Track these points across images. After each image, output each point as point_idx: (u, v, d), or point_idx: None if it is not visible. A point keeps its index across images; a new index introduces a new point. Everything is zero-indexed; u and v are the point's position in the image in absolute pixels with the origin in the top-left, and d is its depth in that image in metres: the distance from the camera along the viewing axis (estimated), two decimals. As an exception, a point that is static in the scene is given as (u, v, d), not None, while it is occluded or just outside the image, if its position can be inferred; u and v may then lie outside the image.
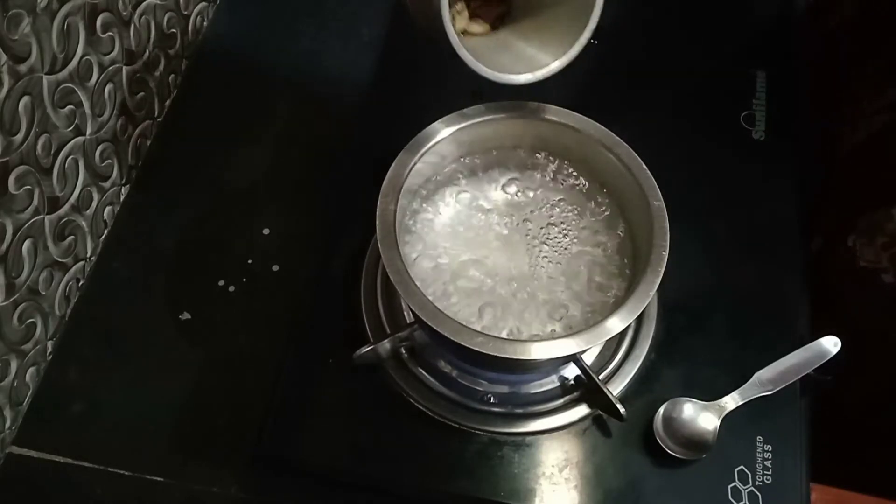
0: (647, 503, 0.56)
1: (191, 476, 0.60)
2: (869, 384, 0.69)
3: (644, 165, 0.56)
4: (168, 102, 0.78)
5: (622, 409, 0.56)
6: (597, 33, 0.80)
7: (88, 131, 0.64)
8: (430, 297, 0.51)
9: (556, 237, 0.58)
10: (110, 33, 0.64)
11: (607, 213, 0.59)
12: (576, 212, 0.59)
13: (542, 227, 0.58)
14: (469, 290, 0.56)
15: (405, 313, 0.62)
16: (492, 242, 0.58)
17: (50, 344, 0.65)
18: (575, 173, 0.60)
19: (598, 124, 0.57)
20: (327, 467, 0.59)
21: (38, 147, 0.58)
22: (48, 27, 0.56)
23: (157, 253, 0.70)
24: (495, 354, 0.48)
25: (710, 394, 0.59)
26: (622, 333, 0.62)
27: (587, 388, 0.59)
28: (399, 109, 0.73)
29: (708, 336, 0.63)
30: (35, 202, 0.59)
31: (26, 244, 0.59)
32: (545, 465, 0.57)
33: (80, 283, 0.68)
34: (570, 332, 0.51)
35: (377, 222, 0.52)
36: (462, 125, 0.58)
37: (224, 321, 0.67)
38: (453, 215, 0.59)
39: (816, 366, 0.59)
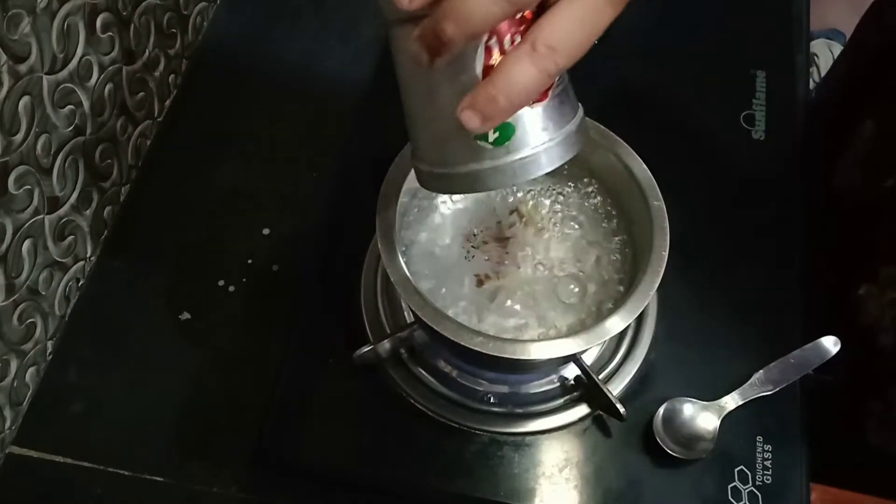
0: (647, 503, 0.56)
1: (191, 476, 0.60)
2: (869, 383, 0.69)
3: (644, 165, 0.55)
4: (168, 102, 0.78)
5: (622, 409, 0.56)
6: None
7: (88, 131, 0.64)
8: (430, 297, 0.51)
9: (555, 237, 0.58)
10: (110, 33, 0.64)
11: (607, 212, 0.59)
12: (575, 211, 0.59)
13: (541, 227, 0.58)
14: (468, 289, 0.56)
15: (405, 313, 0.62)
16: (491, 242, 0.58)
17: (50, 344, 0.65)
18: (574, 173, 0.60)
19: (598, 124, 0.57)
20: (327, 467, 0.59)
21: (38, 147, 0.58)
22: (48, 27, 0.56)
23: (157, 253, 0.70)
24: (495, 354, 0.48)
25: (710, 394, 0.59)
26: (622, 333, 0.62)
27: (587, 388, 0.59)
28: (399, 109, 0.73)
29: (708, 336, 0.63)
30: (35, 202, 0.59)
31: (26, 244, 0.59)
32: (545, 465, 0.57)
33: (80, 283, 0.68)
34: (570, 332, 0.51)
35: (377, 222, 0.52)
36: (462, 125, 0.57)
37: (224, 321, 0.67)
38: (453, 215, 0.59)
39: (816, 366, 0.59)
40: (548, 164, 0.39)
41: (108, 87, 0.66)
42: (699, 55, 0.79)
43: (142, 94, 0.72)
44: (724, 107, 0.75)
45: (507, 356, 0.48)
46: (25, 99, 0.55)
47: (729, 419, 0.58)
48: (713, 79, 0.77)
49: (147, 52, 0.71)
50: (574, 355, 0.56)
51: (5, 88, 0.53)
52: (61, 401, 0.63)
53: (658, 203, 0.54)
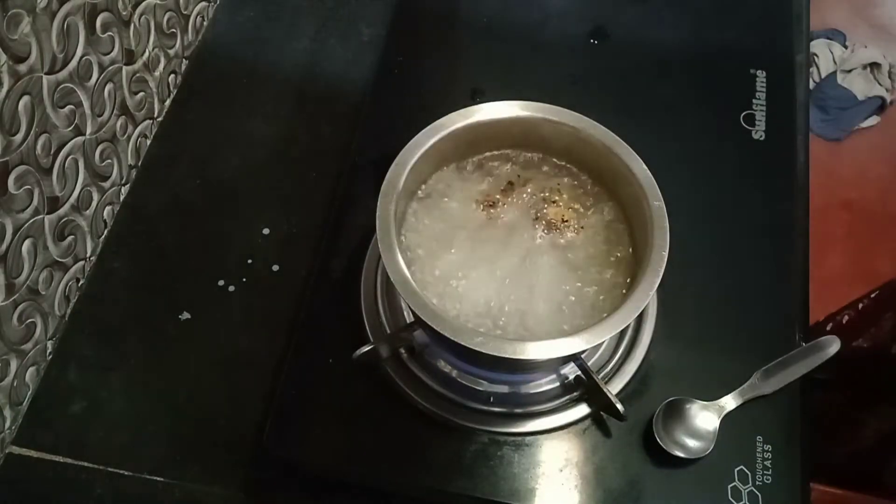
0: (647, 503, 0.56)
1: (191, 476, 0.60)
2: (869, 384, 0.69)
3: (644, 165, 0.56)
4: (168, 102, 0.78)
5: (622, 409, 0.56)
6: (597, 33, 0.81)
7: (88, 131, 0.64)
8: (430, 297, 0.51)
9: (555, 237, 0.58)
10: (110, 33, 0.64)
11: (607, 212, 0.59)
12: (576, 211, 0.59)
13: (541, 227, 0.58)
14: (469, 289, 0.56)
15: (405, 313, 0.62)
16: (492, 242, 0.58)
17: (50, 344, 0.65)
18: (575, 173, 0.60)
19: (598, 124, 0.57)
20: (327, 467, 0.59)
21: (38, 147, 0.58)
22: (48, 27, 0.56)
23: (157, 253, 0.70)
24: (495, 354, 0.48)
25: (710, 394, 0.59)
26: (622, 333, 0.62)
27: (587, 388, 0.59)
28: (399, 109, 0.73)
29: (708, 336, 0.63)
30: (35, 202, 0.59)
31: (26, 244, 0.59)
32: (545, 465, 0.57)
33: (80, 283, 0.68)
34: (570, 331, 0.51)
35: (377, 222, 0.52)
36: (462, 125, 0.58)
37: (224, 321, 0.67)
38: (453, 215, 0.59)
39: (816, 366, 0.59)
40: None
41: (108, 87, 0.66)
42: (699, 55, 0.79)
43: (142, 94, 0.72)
44: (724, 107, 0.75)
45: (506, 356, 0.48)
46: (25, 99, 0.55)
47: (729, 419, 0.58)
48: (713, 79, 0.77)
49: (147, 52, 0.71)
50: (574, 355, 0.56)
51: (5, 88, 0.53)
52: (61, 401, 0.63)
53: (658, 203, 0.54)
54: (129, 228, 0.71)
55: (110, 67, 0.65)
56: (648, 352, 0.61)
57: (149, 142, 0.75)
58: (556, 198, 0.60)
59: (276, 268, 0.69)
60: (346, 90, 0.79)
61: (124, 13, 0.66)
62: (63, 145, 0.61)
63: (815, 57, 1.80)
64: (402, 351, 0.60)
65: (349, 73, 0.80)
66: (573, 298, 0.56)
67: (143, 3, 0.69)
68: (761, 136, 0.73)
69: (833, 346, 0.59)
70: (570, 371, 0.60)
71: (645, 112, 0.74)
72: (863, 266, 1.56)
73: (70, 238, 0.65)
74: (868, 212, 1.66)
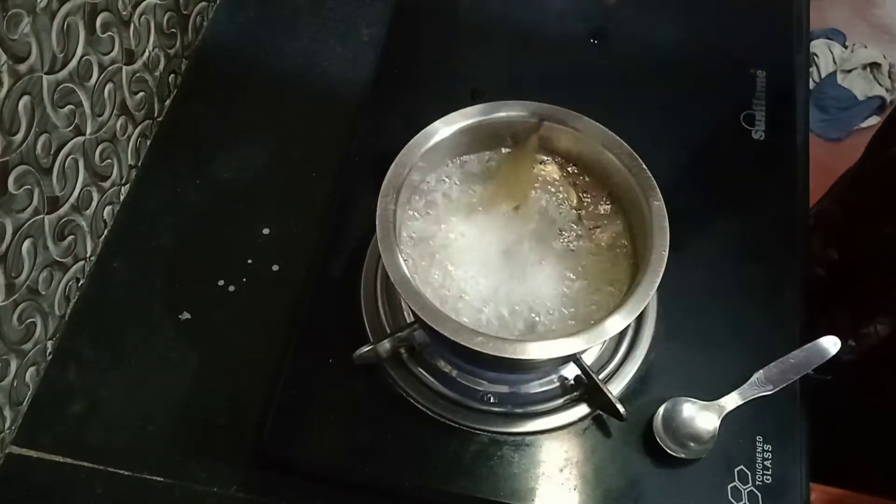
0: (647, 503, 0.56)
1: (191, 476, 0.60)
2: (869, 383, 0.69)
3: (644, 165, 0.56)
4: (168, 102, 0.78)
5: (622, 409, 0.56)
6: (597, 33, 0.81)
7: (88, 131, 0.64)
8: (430, 297, 0.51)
9: (555, 237, 0.58)
10: (110, 33, 0.64)
11: (607, 212, 0.59)
12: (575, 211, 0.59)
13: (541, 227, 0.58)
14: (468, 288, 0.56)
15: (405, 313, 0.62)
16: (491, 242, 0.58)
17: (50, 344, 0.65)
18: (575, 173, 0.60)
19: (598, 124, 0.57)
20: (327, 467, 0.59)
21: (38, 147, 0.58)
22: (48, 27, 0.56)
23: (157, 253, 0.70)
24: (495, 354, 0.48)
25: (710, 394, 0.59)
26: (622, 333, 0.62)
27: (587, 388, 0.59)
28: (399, 109, 0.73)
29: (708, 336, 0.63)
30: (35, 202, 0.59)
31: (26, 244, 0.59)
32: (545, 465, 0.58)
33: (80, 283, 0.68)
34: (570, 332, 0.51)
35: (377, 222, 0.52)
36: (462, 125, 0.58)
37: (224, 321, 0.67)
38: (452, 215, 0.59)
39: (816, 366, 0.59)
40: None
41: (108, 87, 0.66)
42: (699, 55, 0.79)
43: (142, 94, 0.72)
44: (724, 107, 0.75)
45: (506, 356, 0.48)
46: (25, 99, 0.55)
47: (729, 419, 0.58)
48: (713, 79, 0.77)
49: (147, 52, 0.71)
50: (574, 355, 0.56)
51: (5, 88, 0.53)
52: (61, 401, 0.63)
53: (658, 203, 0.54)
54: (129, 228, 0.71)
55: (110, 67, 0.65)
56: (648, 352, 0.61)
57: (149, 142, 0.75)
58: (555, 197, 0.60)
59: (276, 268, 0.69)
60: (345, 90, 0.79)
61: (124, 13, 0.66)
62: (63, 145, 0.61)
63: (815, 57, 1.80)
64: (402, 351, 0.60)
65: (349, 73, 0.80)
66: (573, 298, 0.56)
67: (143, 3, 0.69)
68: (761, 136, 0.73)
69: (833, 346, 0.59)
70: (571, 371, 0.60)
71: (645, 112, 0.74)
72: (863, 266, 1.56)
73: (70, 238, 0.65)
74: (868, 212, 1.65)
